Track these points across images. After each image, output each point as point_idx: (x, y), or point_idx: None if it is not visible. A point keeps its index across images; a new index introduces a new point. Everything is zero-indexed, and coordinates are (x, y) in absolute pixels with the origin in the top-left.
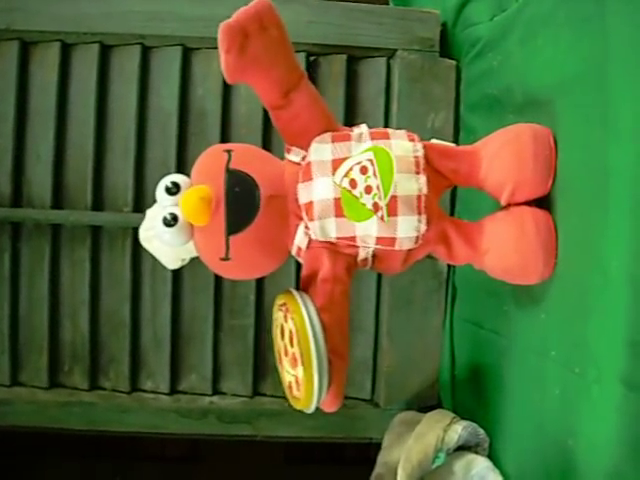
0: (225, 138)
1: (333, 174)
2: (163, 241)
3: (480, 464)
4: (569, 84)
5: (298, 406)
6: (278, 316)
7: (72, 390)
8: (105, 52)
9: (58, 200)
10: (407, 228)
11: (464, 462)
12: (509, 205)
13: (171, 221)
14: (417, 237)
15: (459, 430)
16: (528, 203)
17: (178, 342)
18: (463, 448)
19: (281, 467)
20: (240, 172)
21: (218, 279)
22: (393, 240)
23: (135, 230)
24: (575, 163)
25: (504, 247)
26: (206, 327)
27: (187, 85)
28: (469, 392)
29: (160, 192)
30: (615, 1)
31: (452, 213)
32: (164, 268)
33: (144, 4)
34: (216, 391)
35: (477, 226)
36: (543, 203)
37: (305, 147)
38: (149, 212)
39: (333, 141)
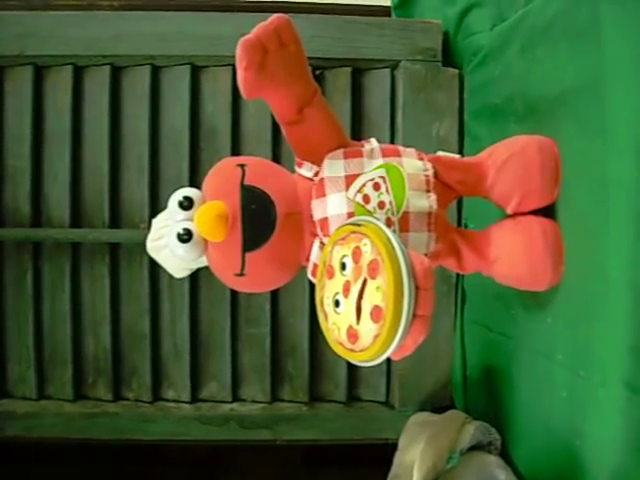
0: (236, 153)
1: (346, 190)
2: (177, 256)
3: (492, 463)
4: (568, 96)
5: (362, 357)
6: (339, 249)
7: (97, 401)
8: (116, 73)
9: (76, 219)
10: (417, 244)
11: (477, 461)
12: (515, 214)
13: (185, 236)
14: (426, 254)
15: (471, 430)
16: (534, 212)
17: (197, 352)
18: (476, 448)
19: (300, 469)
20: (256, 188)
21: (234, 291)
22: None
23: None
24: (576, 173)
25: (513, 256)
26: (224, 337)
27: (197, 103)
28: (481, 392)
29: (173, 206)
30: (610, 15)
31: (459, 220)
32: (181, 281)
33: (152, 26)
34: (236, 398)
35: (484, 235)
36: (547, 211)
37: (317, 162)
38: (155, 222)
39: (345, 157)
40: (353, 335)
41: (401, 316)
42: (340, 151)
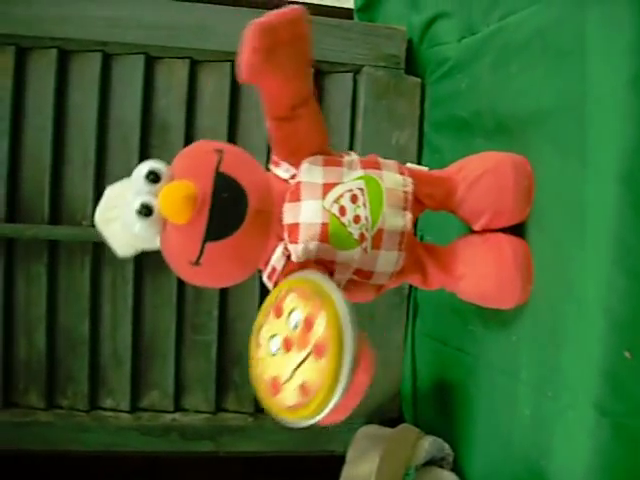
0: None
1: (323, 198)
2: (131, 231)
3: (446, 478)
4: (544, 115)
5: (274, 409)
6: (294, 299)
7: (28, 410)
8: (64, 58)
9: (13, 213)
10: (386, 263)
11: (431, 477)
12: (483, 231)
13: (144, 211)
14: (392, 273)
15: (426, 446)
16: (503, 230)
17: (139, 359)
18: (429, 463)
19: None
20: (230, 177)
21: (180, 294)
22: (371, 274)
23: (95, 245)
24: (549, 193)
25: (481, 273)
26: (168, 343)
27: (150, 95)
28: (432, 407)
29: (138, 177)
30: (596, 38)
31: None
32: (124, 283)
33: (105, 9)
34: (178, 408)
35: (450, 250)
36: (518, 230)
37: (295, 165)
38: (110, 189)
39: (325, 165)
40: (275, 388)
41: (327, 405)
42: (320, 157)
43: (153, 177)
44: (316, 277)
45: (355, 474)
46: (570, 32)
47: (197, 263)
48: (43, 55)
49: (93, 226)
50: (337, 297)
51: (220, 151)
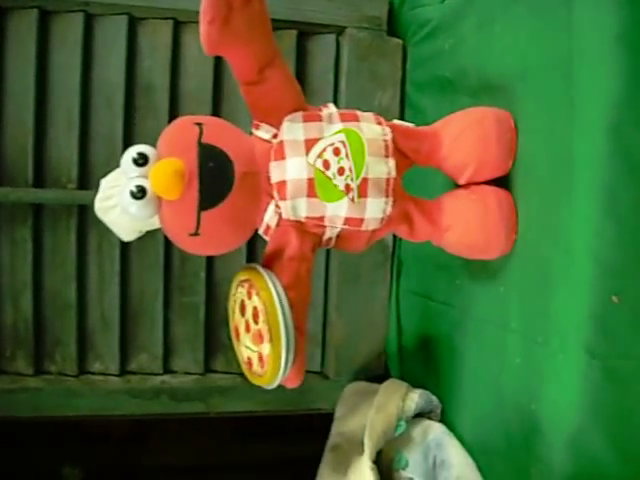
0: (174, 112)
1: (306, 154)
2: (129, 214)
3: (436, 430)
4: (531, 72)
5: (259, 382)
6: (238, 292)
7: (15, 376)
8: (45, 18)
9: None
10: (375, 209)
11: (421, 428)
12: (469, 184)
13: (138, 194)
14: (383, 218)
15: (415, 398)
16: (487, 183)
17: (127, 322)
18: (418, 415)
19: (228, 443)
20: (213, 146)
21: (168, 257)
22: (361, 221)
23: (80, 208)
24: (537, 147)
25: (468, 224)
26: (156, 305)
27: (134, 57)
28: (418, 361)
29: (126, 163)
30: None
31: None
32: (111, 246)
33: None
34: (167, 370)
35: (436, 203)
36: (502, 183)
37: (275, 124)
38: (105, 182)
39: (305, 121)
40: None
41: (278, 375)
42: (299, 114)
43: (142, 160)
44: (259, 268)
45: (346, 429)
46: None
47: (196, 233)
48: (23, 16)
49: (78, 189)
50: (274, 295)
51: (200, 124)
